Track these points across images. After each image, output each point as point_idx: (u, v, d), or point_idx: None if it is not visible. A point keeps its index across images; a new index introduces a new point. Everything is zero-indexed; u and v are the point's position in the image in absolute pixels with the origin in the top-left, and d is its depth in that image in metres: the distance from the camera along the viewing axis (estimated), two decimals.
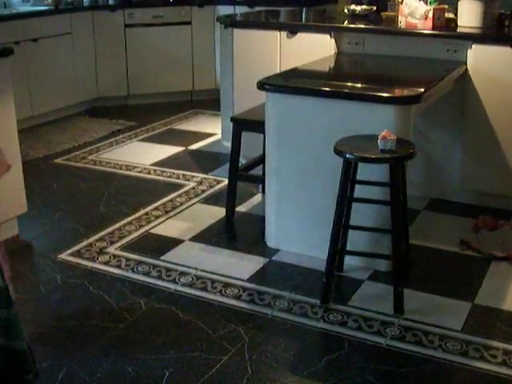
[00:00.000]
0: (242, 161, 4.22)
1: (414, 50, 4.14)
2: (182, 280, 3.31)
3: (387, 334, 2.85)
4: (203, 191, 4.46)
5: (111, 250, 3.63)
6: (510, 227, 3.75)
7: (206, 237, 3.77)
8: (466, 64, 3.96)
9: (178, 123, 6.14)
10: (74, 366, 2.64)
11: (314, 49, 4.32)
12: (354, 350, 2.75)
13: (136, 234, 3.81)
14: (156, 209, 4.16)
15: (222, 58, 5.08)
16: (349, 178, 3.03)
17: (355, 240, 3.29)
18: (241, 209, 4.14)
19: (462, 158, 4.11)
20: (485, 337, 2.82)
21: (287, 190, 3.50)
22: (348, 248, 3.28)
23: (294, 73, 3.80)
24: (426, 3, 4.11)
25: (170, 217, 4.04)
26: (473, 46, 3.93)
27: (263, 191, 3.93)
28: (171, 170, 4.86)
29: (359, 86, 3.61)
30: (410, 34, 4.15)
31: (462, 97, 4.02)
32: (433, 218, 4.02)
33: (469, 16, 4.13)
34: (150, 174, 4.82)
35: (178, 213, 4.11)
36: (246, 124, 3.84)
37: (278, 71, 4.22)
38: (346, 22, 4.56)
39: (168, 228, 3.88)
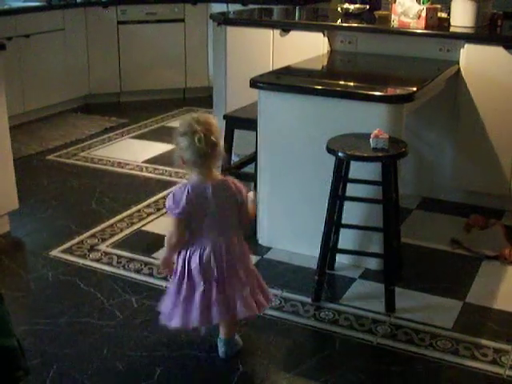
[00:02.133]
0: (235, 158, 4.22)
1: (406, 49, 4.15)
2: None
3: (378, 332, 2.85)
4: None
5: (102, 247, 3.62)
6: (500, 226, 3.76)
7: None
8: (458, 63, 3.97)
9: (170, 120, 6.13)
10: (65, 363, 2.63)
11: (306, 47, 4.32)
12: (345, 348, 2.76)
13: (128, 232, 3.80)
14: (148, 206, 4.16)
15: (215, 56, 5.07)
16: (341, 176, 3.04)
17: (347, 238, 3.29)
18: None
19: (454, 156, 4.12)
20: (475, 335, 2.83)
21: (279, 188, 3.50)
22: (340, 246, 3.28)
23: (287, 71, 3.80)
24: (419, 2, 4.11)
25: (162, 214, 4.03)
26: (465, 45, 3.94)
27: (255, 189, 3.92)
28: (163, 168, 4.85)
29: (352, 84, 3.61)
30: (403, 33, 4.16)
31: (455, 96, 4.03)
32: (424, 217, 4.03)
33: (462, 15, 4.14)
34: (142, 171, 4.81)
35: None
36: (239, 122, 3.83)
37: (271, 69, 4.22)
38: (339, 20, 4.56)
39: (160, 225, 3.87)
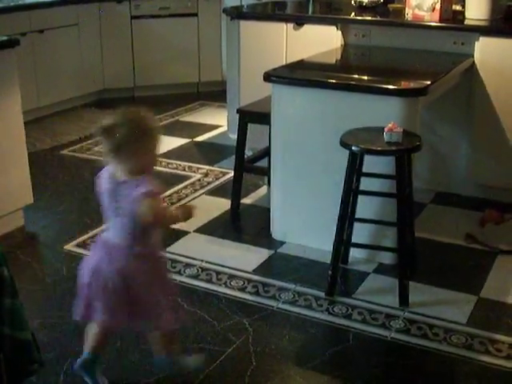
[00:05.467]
0: (248, 153, 4.22)
1: (420, 42, 4.12)
2: (187, 271, 3.31)
3: (392, 327, 2.85)
4: (209, 183, 4.46)
5: None
6: None
7: (211, 228, 3.77)
8: (473, 57, 3.94)
9: (184, 115, 6.13)
10: (79, 356, 2.64)
11: (320, 41, 4.31)
12: (359, 343, 2.75)
13: None
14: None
15: (229, 50, 5.07)
16: (354, 170, 3.03)
17: (360, 232, 3.28)
18: (246, 201, 4.13)
19: (469, 151, 4.09)
20: (490, 330, 2.82)
21: (293, 182, 3.49)
22: (353, 240, 3.27)
23: (301, 65, 3.79)
24: None
25: (176, 208, 4.03)
26: (480, 38, 3.90)
27: (269, 183, 3.92)
28: (177, 162, 4.85)
29: (366, 78, 3.59)
30: (417, 26, 4.13)
31: (469, 90, 4.00)
32: (439, 212, 4.01)
33: (476, 8, 4.11)
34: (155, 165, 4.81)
35: (184, 204, 4.10)
36: (252, 116, 3.83)
37: (285, 63, 4.21)
38: (353, 13, 4.54)
39: None
